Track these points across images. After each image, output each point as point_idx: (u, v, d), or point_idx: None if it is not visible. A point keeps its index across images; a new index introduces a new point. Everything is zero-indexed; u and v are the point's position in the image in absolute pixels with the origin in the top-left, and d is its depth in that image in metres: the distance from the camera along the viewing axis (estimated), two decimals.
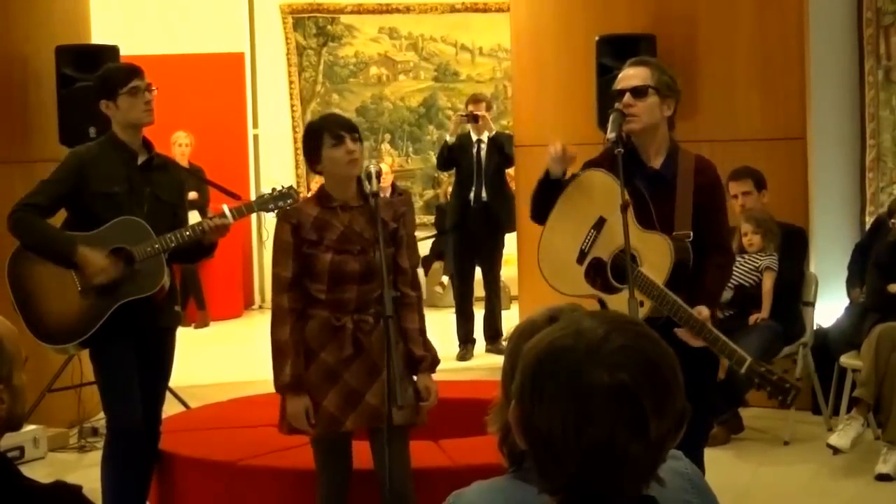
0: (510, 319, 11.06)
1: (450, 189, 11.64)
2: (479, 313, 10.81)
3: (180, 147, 12.44)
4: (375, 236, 4.86)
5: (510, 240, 10.49)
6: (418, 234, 13.22)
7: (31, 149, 8.08)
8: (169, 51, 13.01)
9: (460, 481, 2.32)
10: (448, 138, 10.70)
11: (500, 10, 13.16)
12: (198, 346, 11.33)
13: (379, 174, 4.89)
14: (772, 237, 7.68)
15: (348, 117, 5.28)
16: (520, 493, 2.13)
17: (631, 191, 4.82)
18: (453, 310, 10.93)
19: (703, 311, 4.79)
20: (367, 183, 4.90)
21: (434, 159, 12.55)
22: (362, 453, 5.09)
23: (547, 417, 1.77)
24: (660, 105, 4.98)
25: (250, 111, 14.25)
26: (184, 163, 12.20)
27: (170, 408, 5.88)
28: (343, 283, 4.86)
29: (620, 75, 5.08)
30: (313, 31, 14.25)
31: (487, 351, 10.73)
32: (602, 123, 7.28)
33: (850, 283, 7.97)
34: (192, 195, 11.95)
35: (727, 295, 7.58)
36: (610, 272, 4.96)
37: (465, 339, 10.65)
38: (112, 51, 8.08)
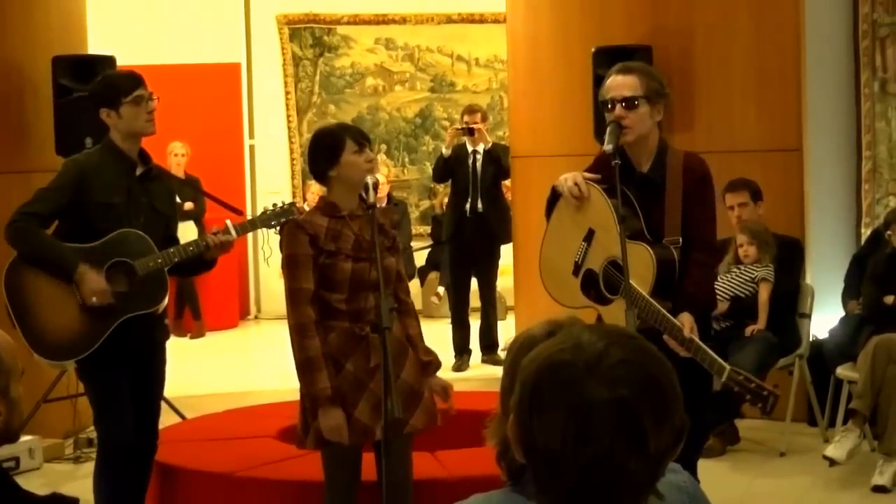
0: (506, 330, 11.06)
1: (446, 200, 11.64)
2: (475, 324, 10.81)
3: (176, 157, 12.44)
4: (385, 244, 4.92)
5: (506, 250, 10.49)
6: (414, 244, 13.32)
7: (28, 159, 8.07)
8: (165, 61, 13.01)
9: (456, 493, 2.31)
10: (444, 150, 10.69)
11: (496, 20, 13.16)
12: (193, 356, 11.33)
13: (376, 185, 4.89)
14: (768, 248, 7.69)
15: None
16: None
17: (623, 197, 4.83)
18: (449, 320, 10.93)
19: (685, 321, 4.80)
20: (368, 194, 4.88)
21: (430, 170, 12.56)
22: (365, 463, 5.08)
23: (546, 432, 1.76)
24: (650, 112, 5.01)
25: (246, 121, 14.26)
26: (180, 173, 12.22)
27: (166, 418, 5.87)
28: (362, 291, 4.87)
29: (608, 83, 5.07)
30: (309, 42, 14.26)
31: (483, 361, 10.72)
32: (598, 135, 7.29)
33: (847, 296, 7.97)
34: (189, 205, 12.00)
35: (723, 306, 7.60)
36: (602, 283, 4.98)
37: (461, 350, 10.65)
38: (109, 61, 8.08)
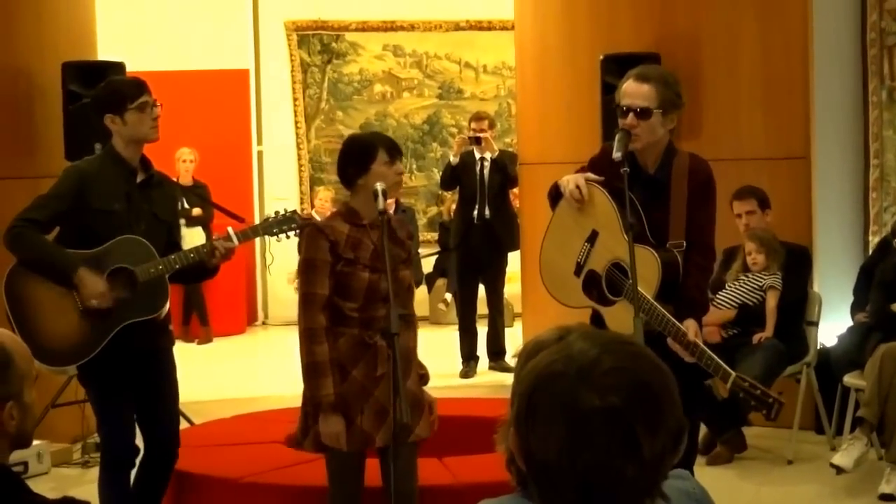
0: (513, 337, 11.06)
1: (454, 207, 11.65)
2: (482, 330, 10.82)
3: (185, 163, 12.47)
4: (401, 255, 4.94)
5: (513, 257, 10.50)
6: (422, 251, 13.32)
7: (37, 165, 8.09)
8: (174, 67, 13.05)
9: (464, 499, 2.33)
10: (451, 159, 10.70)
11: (504, 28, 13.18)
12: (201, 362, 11.34)
13: (385, 192, 4.89)
14: (775, 256, 7.69)
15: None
16: None
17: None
18: (456, 327, 10.94)
19: (690, 327, 4.83)
20: (378, 200, 4.87)
21: (437, 177, 12.56)
22: (370, 470, 5.09)
23: (542, 443, 1.78)
24: (662, 122, 5.03)
25: (254, 128, 14.28)
26: (188, 179, 12.25)
27: None
28: (375, 301, 4.88)
29: (624, 87, 5.06)
30: (318, 49, 14.28)
31: (490, 368, 10.73)
32: (606, 142, 7.29)
33: (855, 306, 7.97)
34: (197, 211, 12.03)
35: (730, 314, 7.61)
36: (605, 285, 5.00)
37: (469, 357, 10.66)
38: (118, 67, 8.10)
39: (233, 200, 6.63)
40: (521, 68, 9.75)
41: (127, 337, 5.36)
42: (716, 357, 4.80)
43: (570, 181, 5.05)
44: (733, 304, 7.65)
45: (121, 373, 5.40)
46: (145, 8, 13.63)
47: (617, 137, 4.95)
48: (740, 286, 7.69)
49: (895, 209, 8.53)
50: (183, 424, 7.78)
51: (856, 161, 8.70)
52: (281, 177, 14.23)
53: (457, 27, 14.27)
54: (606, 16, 8.93)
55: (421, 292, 10.93)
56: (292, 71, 14.26)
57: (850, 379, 7.51)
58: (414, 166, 14.38)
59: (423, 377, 5.15)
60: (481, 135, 10.49)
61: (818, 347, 7.97)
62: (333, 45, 14.30)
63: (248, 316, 14.04)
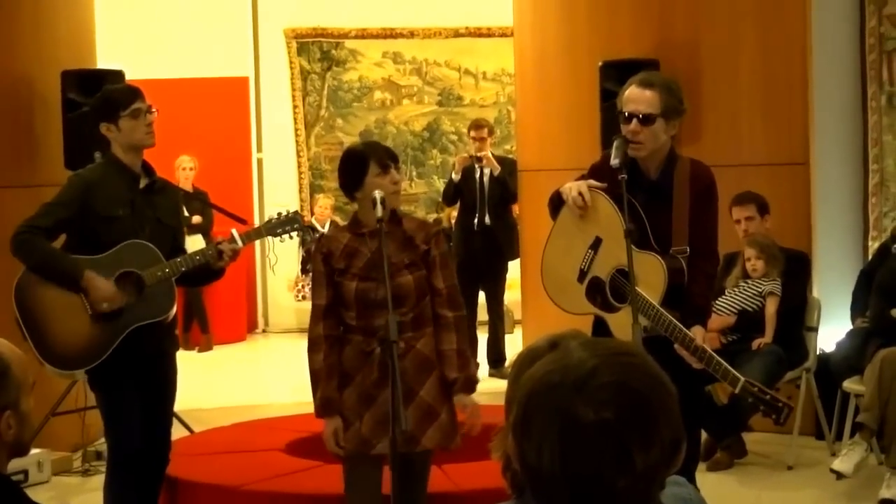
0: (513, 344, 11.06)
1: (454, 214, 11.65)
2: (482, 337, 10.81)
3: (184, 171, 12.47)
4: (404, 261, 4.91)
5: (513, 264, 10.51)
6: None
7: (37, 173, 8.09)
8: (174, 75, 13.06)
9: None
10: (454, 176, 10.68)
11: (503, 34, 13.19)
12: (201, 369, 11.33)
13: (384, 200, 4.89)
14: (775, 262, 7.69)
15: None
16: None
17: (629, 207, 4.85)
18: None
19: (697, 333, 4.84)
20: (376, 208, 4.86)
21: (438, 184, 12.54)
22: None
23: (536, 452, 1.79)
24: (665, 128, 5.03)
25: (254, 135, 14.29)
26: (188, 187, 12.25)
27: (173, 432, 5.88)
28: (371, 309, 4.88)
29: (627, 93, 5.06)
30: (317, 56, 14.29)
31: (491, 375, 10.72)
32: (606, 148, 7.29)
33: (854, 311, 7.97)
34: (197, 219, 12.03)
35: (730, 320, 7.61)
36: (609, 291, 5.00)
37: None
38: (117, 75, 8.10)
39: (233, 208, 6.63)
40: (520, 75, 9.76)
41: (135, 340, 5.43)
42: (724, 363, 4.81)
43: (572, 188, 5.05)
44: (733, 310, 7.65)
45: (129, 375, 5.47)
46: (145, 16, 13.63)
47: (615, 145, 4.96)
48: (740, 292, 7.69)
49: (895, 214, 8.52)
50: (183, 432, 7.80)
51: (855, 166, 8.70)
52: (281, 184, 14.23)
53: (456, 34, 14.28)
54: (606, 22, 8.93)
55: None
56: (292, 78, 14.28)
57: (849, 384, 7.51)
58: (414, 173, 14.39)
59: (455, 382, 4.95)
60: (481, 154, 10.48)
61: (818, 353, 7.96)
62: (333, 52, 14.31)
63: (248, 324, 14.04)
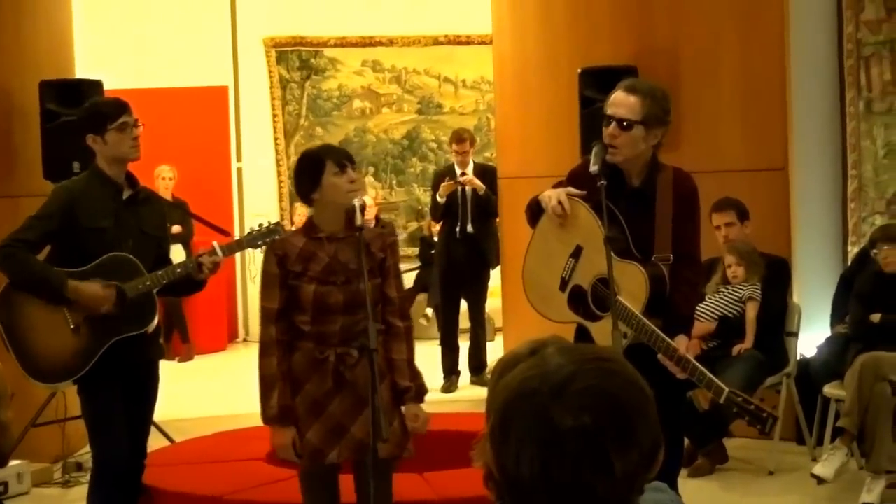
0: (495, 351, 11.06)
1: (435, 226, 11.64)
2: (463, 345, 10.82)
3: (164, 181, 12.45)
4: (364, 267, 4.87)
5: (495, 272, 10.51)
6: (402, 266, 13.29)
7: (16, 184, 8.07)
8: (152, 84, 13.03)
9: None
10: (439, 199, 10.63)
11: (483, 42, 13.19)
12: (182, 379, 11.30)
13: (363, 207, 4.89)
14: (755, 268, 7.70)
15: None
16: None
17: (609, 214, 4.84)
18: (438, 342, 10.93)
19: (681, 342, 4.82)
20: (356, 216, 4.86)
21: (417, 192, 12.52)
22: (345, 487, 5.08)
23: (514, 459, 1.79)
24: (644, 136, 4.99)
25: (234, 144, 14.27)
26: (167, 196, 12.21)
27: (154, 442, 5.87)
28: (327, 314, 4.86)
29: (612, 97, 5.05)
30: (297, 65, 14.29)
31: (472, 383, 10.73)
32: (585, 155, 7.29)
33: (835, 318, 7.99)
34: (176, 228, 11.98)
35: (711, 326, 7.62)
36: (591, 300, 4.99)
37: (450, 371, 10.66)
38: (96, 85, 8.08)
39: (212, 217, 6.64)
40: (499, 83, 9.76)
41: (121, 349, 5.46)
42: (708, 373, 4.79)
43: (552, 196, 5.02)
44: (713, 316, 7.67)
45: (112, 385, 5.49)
46: (123, 26, 13.60)
47: (594, 151, 4.95)
48: (720, 298, 7.71)
49: (874, 220, 8.55)
50: (163, 442, 7.78)
51: (834, 172, 8.73)
52: (261, 193, 14.22)
53: (435, 42, 14.29)
54: (585, 30, 8.94)
55: None
56: (271, 87, 14.27)
57: (829, 389, 7.53)
58: (394, 181, 14.39)
59: (406, 392, 4.97)
60: (464, 180, 10.46)
61: (798, 358, 7.98)
62: (312, 61, 14.30)
63: (229, 333, 14.02)
